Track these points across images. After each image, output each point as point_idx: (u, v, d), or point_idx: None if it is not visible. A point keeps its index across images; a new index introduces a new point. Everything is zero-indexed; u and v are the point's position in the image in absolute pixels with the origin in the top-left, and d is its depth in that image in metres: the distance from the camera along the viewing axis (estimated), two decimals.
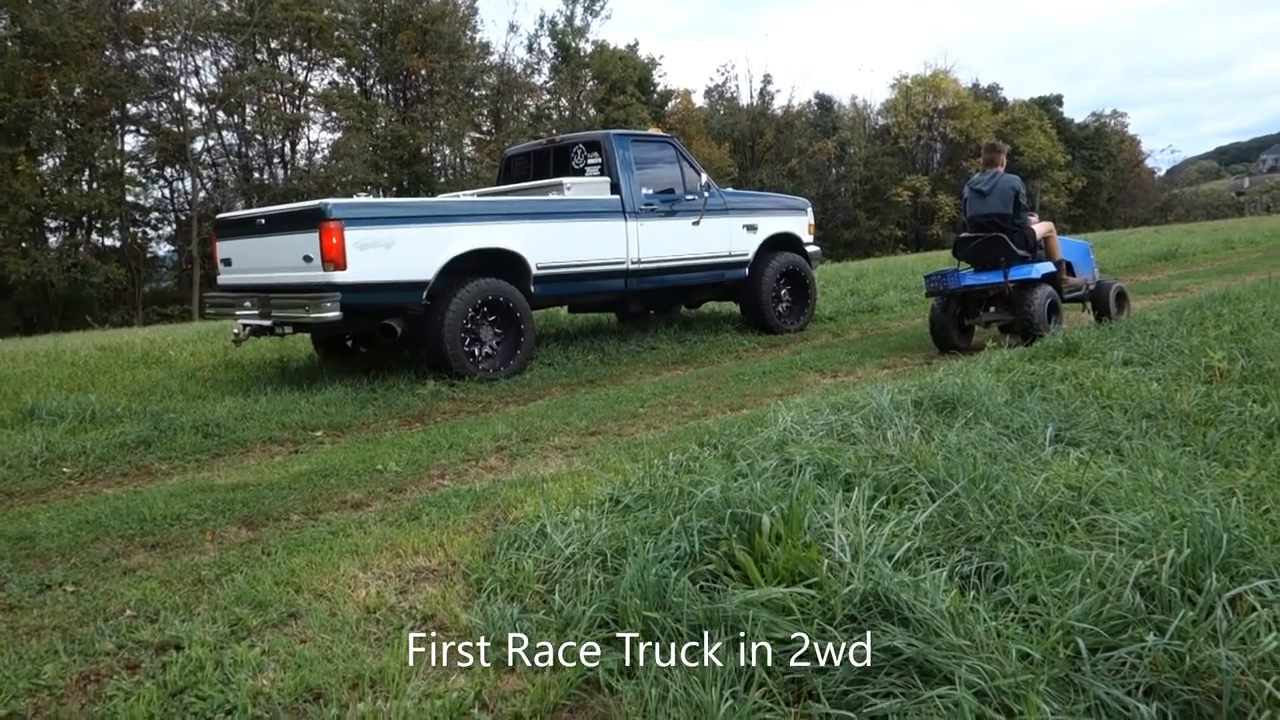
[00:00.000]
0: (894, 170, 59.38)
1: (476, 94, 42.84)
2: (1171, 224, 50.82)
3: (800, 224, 10.85)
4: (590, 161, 9.49)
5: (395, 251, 7.40)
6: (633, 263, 9.06)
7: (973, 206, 8.21)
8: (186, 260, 35.08)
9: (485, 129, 42.58)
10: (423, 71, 38.93)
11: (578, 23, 45.84)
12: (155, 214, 37.28)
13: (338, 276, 7.04)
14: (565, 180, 8.99)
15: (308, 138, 39.36)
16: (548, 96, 46.66)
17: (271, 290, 7.54)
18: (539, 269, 8.27)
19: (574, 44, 45.38)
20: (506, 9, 76.57)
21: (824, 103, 62.55)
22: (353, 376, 7.82)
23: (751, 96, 58.43)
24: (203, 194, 36.21)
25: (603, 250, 8.86)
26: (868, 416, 4.42)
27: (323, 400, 6.98)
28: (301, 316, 7.26)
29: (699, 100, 57.28)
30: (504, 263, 8.09)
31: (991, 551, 2.74)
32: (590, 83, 46.32)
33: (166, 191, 37.72)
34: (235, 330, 7.94)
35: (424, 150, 39.07)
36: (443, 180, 40.16)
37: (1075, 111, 77.63)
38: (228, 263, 8.30)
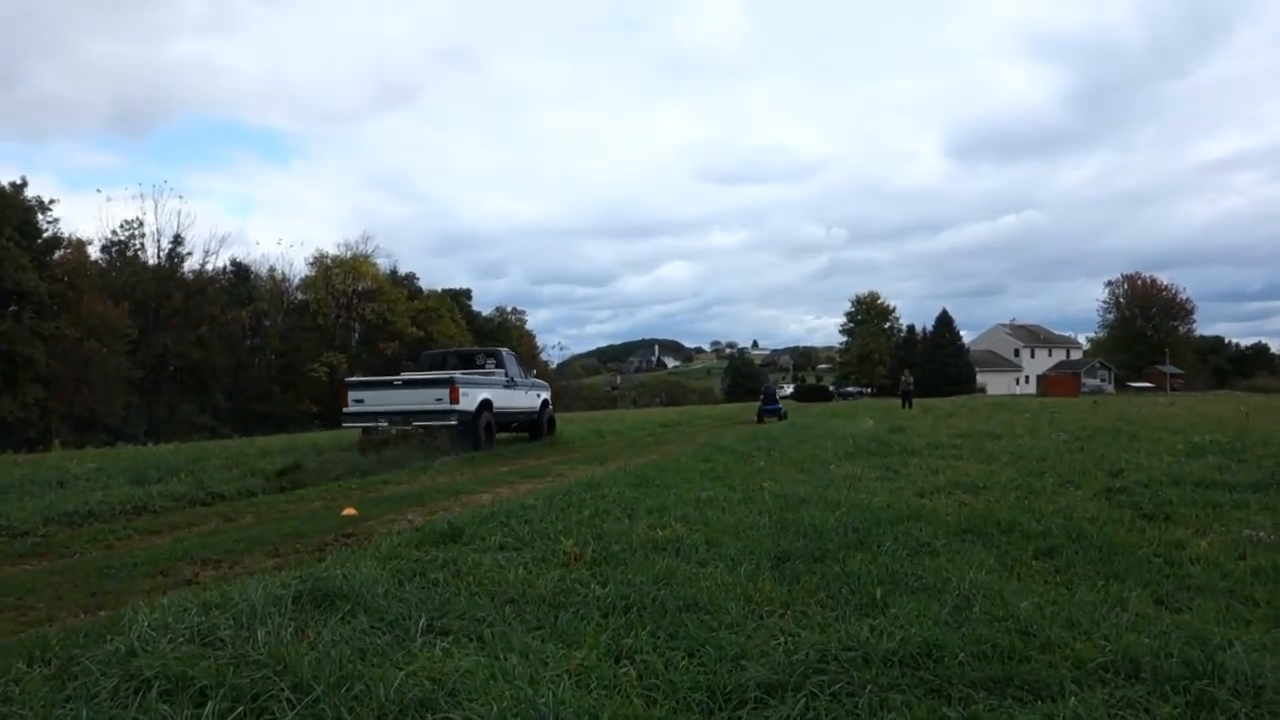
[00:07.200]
0: (312, 346, 59.18)
1: None
2: (559, 413, 57.32)
3: (548, 393, 23.10)
4: (489, 361, 20.54)
5: (469, 397, 17.08)
6: (514, 409, 19.91)
7: (765, 390, 38.21)
8: None
9: None
10: None
11: None
12: None
13: (455, 407, 16.54)
14: (490, 368, 20.01)
15: None
16: None
17: (407, 414, 16.45)
18: (497, 410, 18.47)
19: None
20: None
21: (240, 271, 60.83)
22: None
23: (159, 257, 54.72)
24: None
25: (506, 401, 19.19)
26: (240, 615, 4.15)
27: None
28: (443, 422, 16.35)
29: (95, 253, 52.06)
30: (488, 404, 17.98)
31: None
32: None
33: None
34: (383, 428, 16.26)
35: None
36: None
37: (484, 305, 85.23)
38: (360, 401, 16.94)
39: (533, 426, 21.41)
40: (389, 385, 17.20)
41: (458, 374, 17.63)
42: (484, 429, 17.45)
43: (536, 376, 24.31)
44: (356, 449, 16.15)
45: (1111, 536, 6.21)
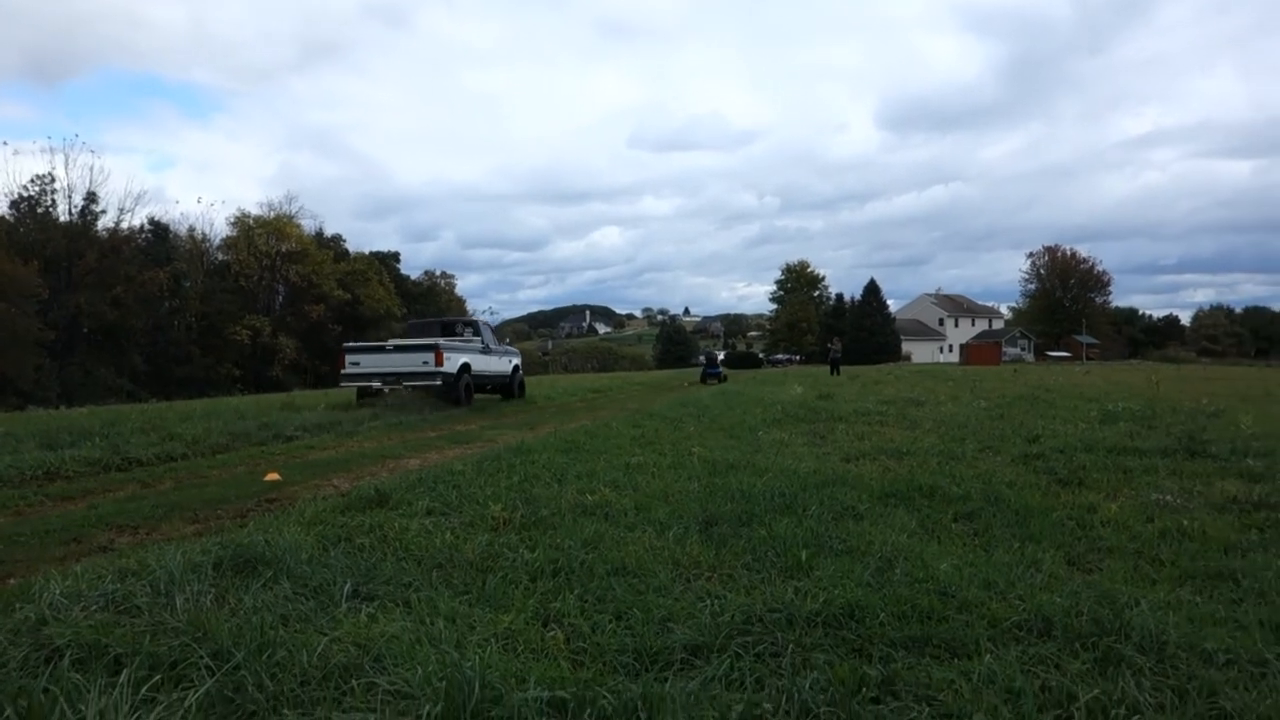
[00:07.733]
0: (234, 309, 57.65)
1: None
2: None
3: (519, 359, 25.70)
4: (467, 330, 22.97)
5: (451, 360, 19.40)
6: (489, 372, 22.28)
7: (706, 354, 46.18)
8: None
9: None
10: None
11: None
12: None
13: (440, 369, 18.89)
14: (469, 336, 22.23)
15: None
16: None
17: (398, 375, 19.02)
18: (474, 372, 20.86)
19: None
20: None
21: (159, 230, 58.82)
22: None
23: (71, 214, 52.60)
24: None
25: (482, 365, 21.64)
26: (157, 582, 4.05)
27: None
28: (428, 383, 18.92)
29: (2, 209, 49.86)
30: (467, 368, 20.25)
31: None
32: None
33: None
34: (377, 387, 19.13)
35: None
36: None
37: (414, 268, 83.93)
38: (356, 364, 19.38)
39: (505, 388, 24.18)
40: (382, 350, 19.69)
41: (441, 340, 19.90)
42: (464, 389, 19.82)
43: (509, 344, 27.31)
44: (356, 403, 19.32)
45: (1028, 500, 6.41)
